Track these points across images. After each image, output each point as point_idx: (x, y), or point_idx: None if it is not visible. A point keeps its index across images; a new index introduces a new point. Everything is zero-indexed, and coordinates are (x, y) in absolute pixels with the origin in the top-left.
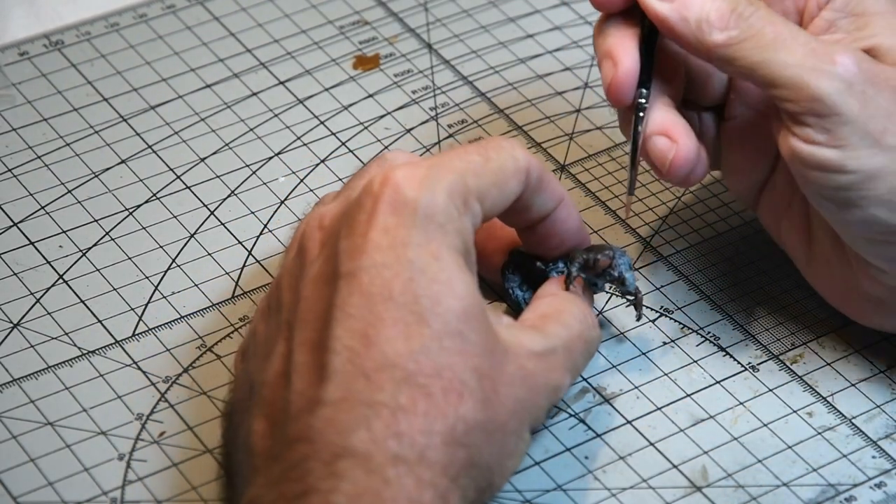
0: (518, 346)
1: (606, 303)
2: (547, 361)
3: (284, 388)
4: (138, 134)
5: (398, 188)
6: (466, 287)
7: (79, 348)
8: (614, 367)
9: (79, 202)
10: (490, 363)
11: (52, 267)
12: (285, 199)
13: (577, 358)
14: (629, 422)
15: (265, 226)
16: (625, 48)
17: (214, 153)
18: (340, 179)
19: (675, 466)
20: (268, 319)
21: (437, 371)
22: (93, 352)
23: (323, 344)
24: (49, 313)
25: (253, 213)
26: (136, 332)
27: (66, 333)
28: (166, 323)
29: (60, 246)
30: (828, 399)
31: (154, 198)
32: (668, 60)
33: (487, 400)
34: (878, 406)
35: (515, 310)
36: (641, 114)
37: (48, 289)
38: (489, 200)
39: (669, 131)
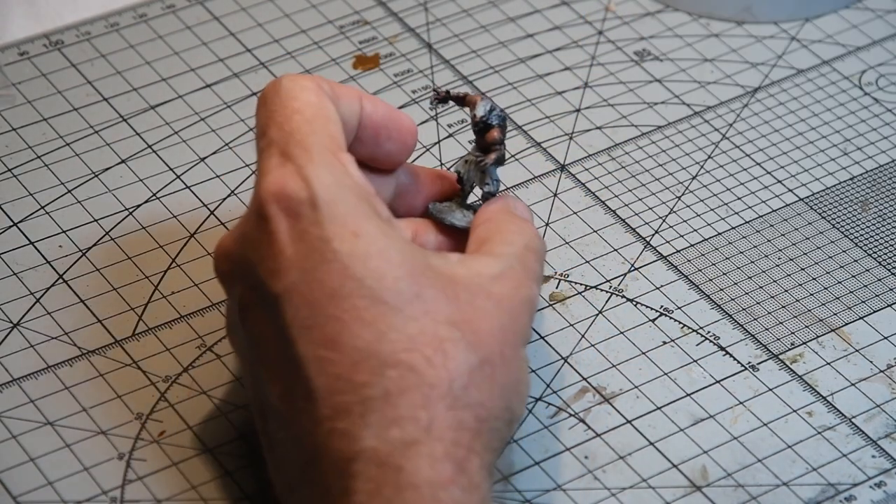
0: (477, 276)
1: (606, 302)
2: (508, 280)
3: (275, 424)
4: (138, 134)
5: (286, 196)
6: (398, 250)
7: (79, 348)
8: (614, 366)
9: (79, 202)
10: (459, 307)
11: (52, 267)
12: None
13: (534, 267)
14: (629, 422)
15: None
16: None
17: (214, 153)
18: None
19: (675, 466)
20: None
21: (410, 343)
22: (93, 352)
23: (292, 367)
24: (49, 313)
25: None
26: (136, 332)
27: (66, 333)
28: (166, 323)
29: (60, 246)
30: (828, 399)
31: (154, 198)
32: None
33: (473, 342)
34: (878, 406)
35: None
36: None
37: (48, 289)
38: (344, 137)
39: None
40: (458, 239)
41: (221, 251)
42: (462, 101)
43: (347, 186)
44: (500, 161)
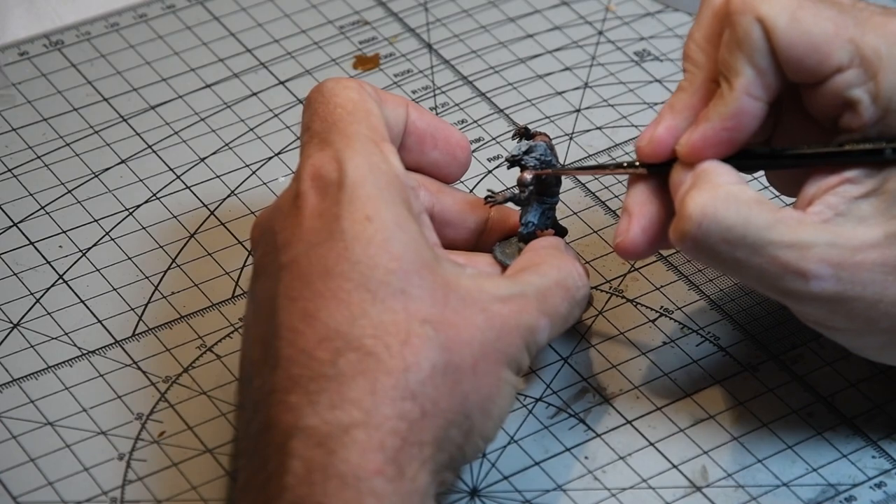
0: (479, 292)
1: (606, 303)
2: (515, 303)
3: (248, 386)
4: (138, 134)
5: (319, 176)
6: (404, 244)
7: (79, 348)
8: (614, 367)
9: (79, 202)
10: (443, 311)
11: (52, 267)
12: None
13: (557, 302)
14: (629, 422)
15: None
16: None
17: (214, 153)
18: None
19: (675, 466)
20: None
21: (379, 330)
22: (93, 352)
23: (271, 334)
24: (49, 313)
25: (253, 213)
26: (136, 332)
27: (66, 333)
28: (166, 323)
29: (60, 246)
30: (828, 399)
31: (154, 198)
32: None
33: (446, 344)
34: (878, 406)
35: None
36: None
37: (48, 289)
38: (387, 132)
39: (632, 215)
40: None
41: (257, 220)
42: (532, 138)
43: (380, 172)
44: (517, 201)
